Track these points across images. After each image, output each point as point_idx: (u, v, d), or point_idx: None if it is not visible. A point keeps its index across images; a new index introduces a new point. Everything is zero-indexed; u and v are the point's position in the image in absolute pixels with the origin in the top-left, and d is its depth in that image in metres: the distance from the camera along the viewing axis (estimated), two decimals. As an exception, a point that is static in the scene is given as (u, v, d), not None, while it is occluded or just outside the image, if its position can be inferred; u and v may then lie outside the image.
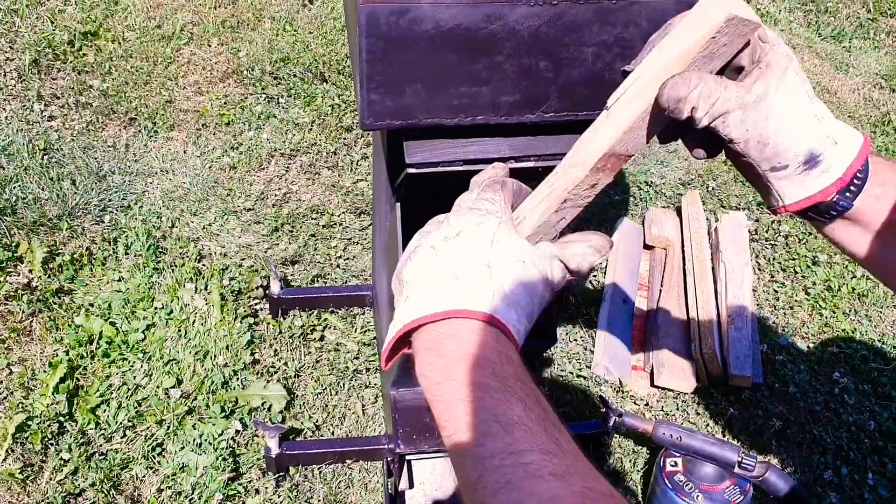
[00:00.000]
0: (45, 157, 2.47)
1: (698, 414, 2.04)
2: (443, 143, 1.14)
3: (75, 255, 2.20)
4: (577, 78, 1.07)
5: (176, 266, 2.21)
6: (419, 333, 0.73)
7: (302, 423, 1.92)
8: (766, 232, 2.61)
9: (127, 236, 2.27)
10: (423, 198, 1.32)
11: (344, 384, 2.02)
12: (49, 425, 1.81)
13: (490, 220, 0.79)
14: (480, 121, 1.10)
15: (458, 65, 1.02)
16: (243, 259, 2.27)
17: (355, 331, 2.14)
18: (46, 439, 1.79)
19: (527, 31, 1.01)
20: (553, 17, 1.00)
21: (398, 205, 1.35)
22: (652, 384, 2.07)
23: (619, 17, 1.02)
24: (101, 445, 1.81)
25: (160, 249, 2.27)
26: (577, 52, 1.04)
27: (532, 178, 1.23)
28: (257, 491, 1.79)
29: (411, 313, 0.73)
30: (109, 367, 1.97)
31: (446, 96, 1.06)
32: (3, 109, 2.61)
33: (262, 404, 1.92)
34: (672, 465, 1.75)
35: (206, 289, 2.16)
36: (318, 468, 1.83)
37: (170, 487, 1.76)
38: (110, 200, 2.38)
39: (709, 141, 0.84)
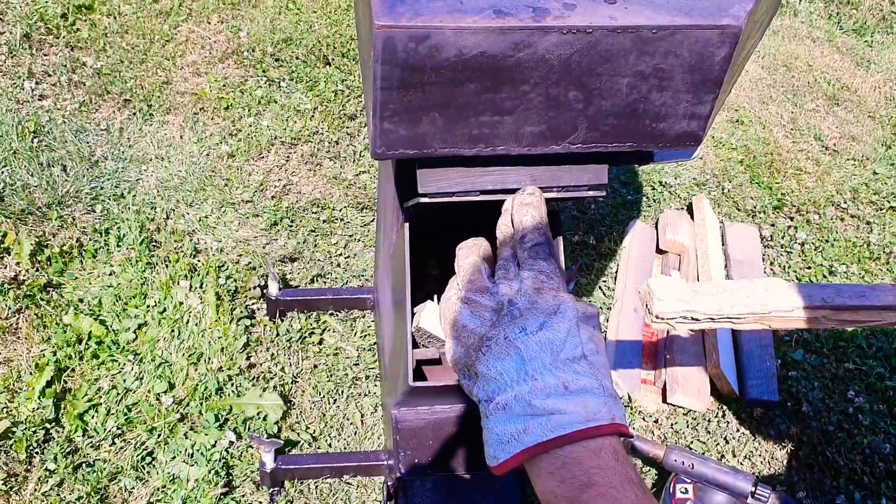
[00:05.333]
0: (36, 140, 2.37)
1: (709, 432, 1.97)
2: (458, 172, 1.05)
3: (65, 247, 2.11)
4: (609, 109, 0.99)
5: (170, 261, 2.12)
6: (539, 456, 0.71)
7: (298, 434, 1.85)
8: (782, 238, 2.52)
9: (119, 228, 2.18)
10: (435, 215, 1.24)
11: (343, 391, 1.94)
12: (34, 432, 1.74)
13: (565, 303, 0.75)
14: (501, 151, 1.02)
15: (480, 94, 0.94)
16: (240, 255, 2.18)
17: (355, 335, 2.06)
18: (31, 447, 1.71)
19: (557, 60, 0.92)
20: (586, 46, 0.91)
21: (407, 225, 1.26)
22: (664, 400, 2.00)
23: (659, 47, 0.93)
24: (88, 454, 1.74)
25: (154, 243, 2.18)
26: (611, 82, 0.95)
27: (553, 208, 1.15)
28: (250, 505, 1.72)
29: (527, 434, 0.70)
30: (98, 368, 1.89)
31: (465, 126, 0.97)
32: (-7, 88, 2.51)
33: (258, 413, 1.85)
34: (682, 492, 1.68)
35: (201, 287, 2.07)
36: (315, 483, 1.76)
37: (160, 501, 1.69)
38: (102, 188, 2.29)
39: None
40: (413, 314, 1.34)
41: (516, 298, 0.77)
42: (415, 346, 1.33)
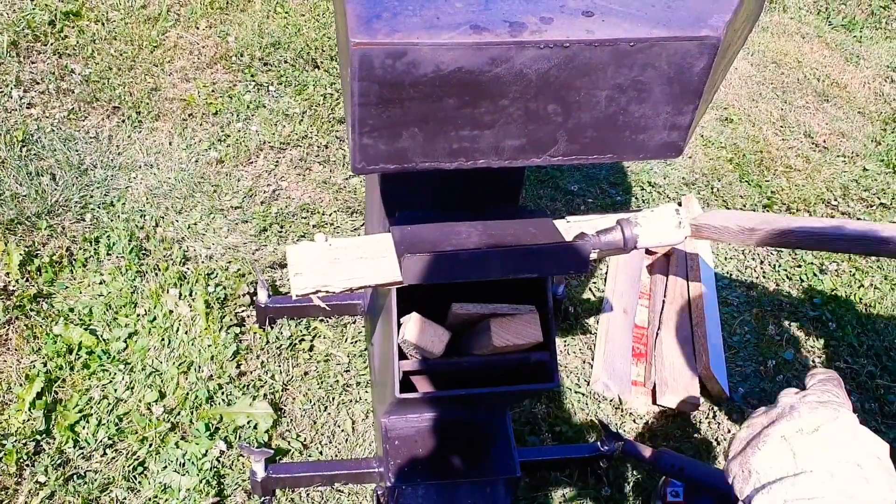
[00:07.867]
0: (24, 148, 2.36)
1: (699, 433, 1.98)
2: (441, 260, 1.11)
3: (54, 257, 2.10)
4: (588, 121, 0.99)
5: (160, 269, 2.12)
6: None
7: (289, 442, 1.85)
8: (772, 237, 2.52)
9: (109, 236, 2.18)
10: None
11: (334, 398, 1.94)
12: (25, 444, 1.73)
13: (846, 414, 0.84)
14: (482, 164, 1.02)
15: (460, 108, 0.94)
16: (230, 262, 2.18)
17: (346, 341, 2.06)
18: (22, 460, 1.71)
19: (535, 75, 0.91)
20: (564, 60, 0.91)
21: (391, 232, 1.26)
22: (654, 402, 2.00)
23: (637, 60, 0.92)
24: (79, 466, 1.73)
25: (143, 251, 2.17)
26: (589, 95, 0.95)
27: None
28: (242, 514, 1.72)
29: None
30: (89, 379, 1.89)
31: (446, 140, 0.98)
32: (-20, 97, 2.50)
33: (248, 422, 1.85)
34: (673, 496, 1.69)
35: (190, 295, 2.07)
36: (306, 491, 1.76)
37: (151, 511, 1.69)
38: (92, 197, 2.28)
39: None
40: (399, 325, 1.34)
41: (798, 404, 0.86)
42: (402, 356, 1.34)
